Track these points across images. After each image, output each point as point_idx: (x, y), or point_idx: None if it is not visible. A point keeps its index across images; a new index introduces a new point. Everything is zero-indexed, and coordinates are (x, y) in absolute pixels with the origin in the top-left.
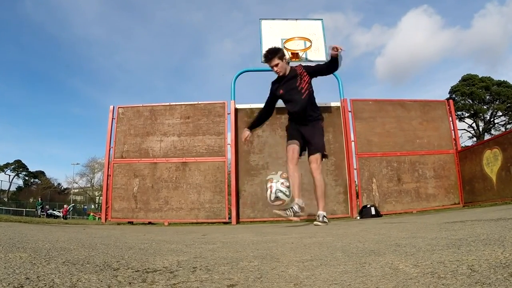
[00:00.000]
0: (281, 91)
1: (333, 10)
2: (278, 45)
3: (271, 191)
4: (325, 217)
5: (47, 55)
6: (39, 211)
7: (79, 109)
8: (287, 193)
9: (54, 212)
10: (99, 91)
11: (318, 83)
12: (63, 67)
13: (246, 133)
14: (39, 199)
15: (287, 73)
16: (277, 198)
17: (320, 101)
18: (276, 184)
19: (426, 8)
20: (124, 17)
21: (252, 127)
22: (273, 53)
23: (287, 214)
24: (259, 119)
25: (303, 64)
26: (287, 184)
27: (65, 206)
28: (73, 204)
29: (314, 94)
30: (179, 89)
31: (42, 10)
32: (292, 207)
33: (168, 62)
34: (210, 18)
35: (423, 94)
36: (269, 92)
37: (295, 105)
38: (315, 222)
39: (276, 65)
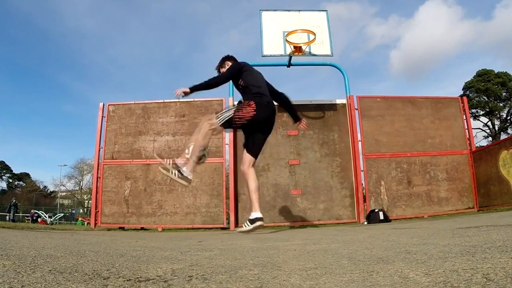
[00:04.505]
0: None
1: (348, 0)
2: (280, 38)
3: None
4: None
5: (35, 48)
6: (12, 215)
7: (68, 107)
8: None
9: (42, 213)
10: (91, 87)
11: (321, 78)
12: (52, 62)
13: (182, 90)
14: (13, 200)
15: None
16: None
17: (324, 98)
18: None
19: None
20: (118, 8)
21: (198, 89)
22: (218, 68)
23: (170, 172)
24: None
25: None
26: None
27: (39, 219)
28: (62, 214)
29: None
30: (176, 86)
31: (30, 0)
32: (179, 169)
33: (165, 56)
34: (214, 10)
35: (437, 90)
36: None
37: None
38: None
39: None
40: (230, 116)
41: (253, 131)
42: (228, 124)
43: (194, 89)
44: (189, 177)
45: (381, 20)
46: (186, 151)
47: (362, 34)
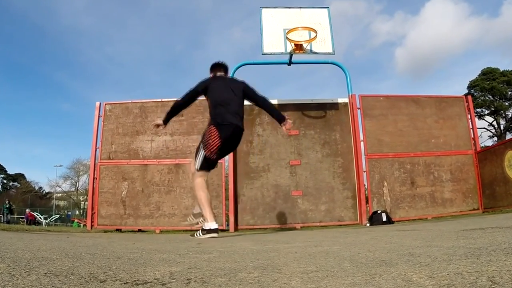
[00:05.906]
0: None
1: None
2: (281, 36)
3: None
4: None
5: (31, 46)
6: (5, 216)
7: (64, 106)
8: None
9: (37, 214)
10: (87, 86)
11: (323, 77)
12: (49, 60)
13: (155, 123)
14: (7, 201)
15: None
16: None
17: (326, 96)
18: None
19: None
20: (116, 5)
21: (168, 117)
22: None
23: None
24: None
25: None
26: None
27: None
28: (57, 215)
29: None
30: (175, 84)
31: None
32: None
33: (164, 54)
34: (215, 6)
35: (441, 89)
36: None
37: None
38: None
39: None
40: (204, 155)
41: (223, 149)
42: (206, 162)
43: (166, 119)
44: (212, 227)
45: (387, 17)
46: (196, 208)
47: (367, 31)
